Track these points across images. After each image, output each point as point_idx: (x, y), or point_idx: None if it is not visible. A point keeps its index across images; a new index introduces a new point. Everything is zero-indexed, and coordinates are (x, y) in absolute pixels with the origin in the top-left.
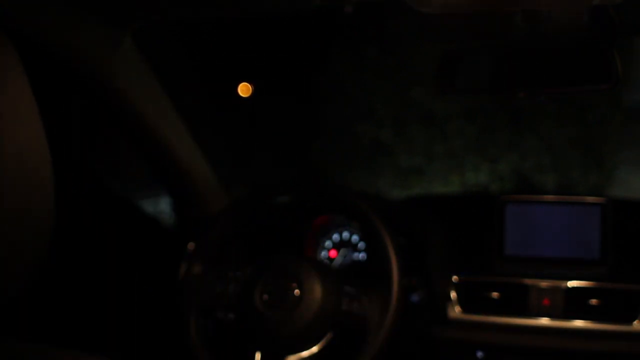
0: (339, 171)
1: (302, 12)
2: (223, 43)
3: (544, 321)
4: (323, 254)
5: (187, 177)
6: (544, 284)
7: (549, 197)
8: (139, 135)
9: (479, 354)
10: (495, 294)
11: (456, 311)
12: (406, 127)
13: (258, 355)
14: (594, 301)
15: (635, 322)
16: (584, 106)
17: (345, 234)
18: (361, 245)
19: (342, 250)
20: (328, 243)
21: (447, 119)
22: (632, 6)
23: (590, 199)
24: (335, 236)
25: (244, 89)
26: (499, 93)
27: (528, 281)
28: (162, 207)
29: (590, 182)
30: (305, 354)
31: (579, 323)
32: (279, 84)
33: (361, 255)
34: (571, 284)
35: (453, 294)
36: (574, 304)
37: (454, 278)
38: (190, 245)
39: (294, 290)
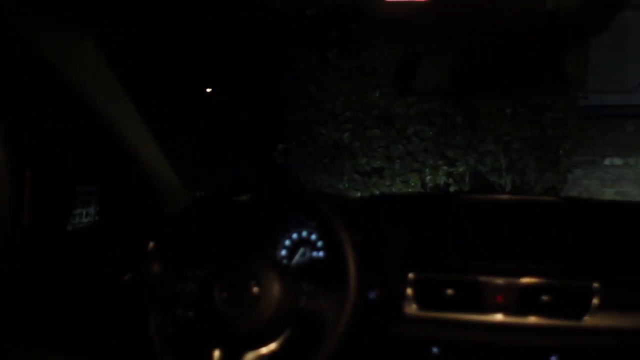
0: (301, 172)
1: (264, 15)
2: (188, 45)
3: (498, 317)
4: (282, 252)
5: (148, 177)
6: (498, 281)
7: (504, 197)
8: (101, 135)
9: (435, 350)
10: (450, 291)
11: (412, 308)
12: (367, 129)
13: (217, 353)
14: (546, 297)
15: (585, 318)
16: (539, 109)
17: (304, 233)
18: (320, 243)
19: (301, 249)
20: (287, 242)
21: (407, 121)
22: (584, 10)
23: (544, 198)
24: (295, 235)
25: None
26: (455, 95)
27: (482, 278)
28: (123, 206)
29: (546, 182)
30: (263, 350)
31: (531, 319)
32: (243, 87)
33: (320, 254)
34: (524, 280)
35: (409, 292)
36: (526, 300)
37: (411, 276)
38: (151, 244)
39: (252, 288)
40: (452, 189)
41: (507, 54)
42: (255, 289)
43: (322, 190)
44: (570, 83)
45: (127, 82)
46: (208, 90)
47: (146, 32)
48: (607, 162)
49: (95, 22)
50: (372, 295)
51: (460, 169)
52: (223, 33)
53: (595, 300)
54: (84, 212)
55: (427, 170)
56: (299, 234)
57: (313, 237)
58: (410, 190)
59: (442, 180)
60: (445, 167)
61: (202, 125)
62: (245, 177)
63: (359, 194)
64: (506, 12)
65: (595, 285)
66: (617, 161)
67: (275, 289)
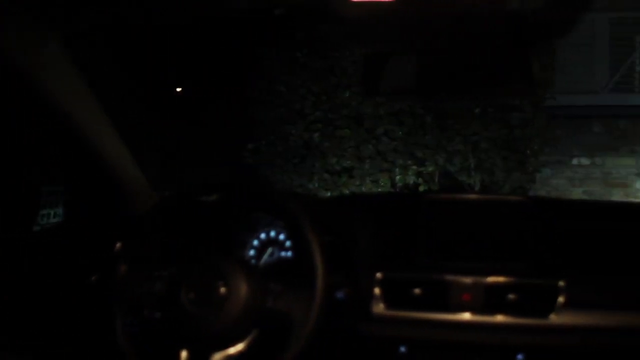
0: (270, 172)
1: (232, 14)
2: (155, 45)
3: (465, 316)
4: (250, 252)
5: (114, 177)
6: (465, 280)
7: (472, 196)
8: (67, 135)
9: (402, 349)
10: (417, 291)
11: (380, 308)
12: (337, 129)
13: (184, 353)
14: (512, 296)
15: (551, 316)
16: (507, 109)
17: (273, 233)
18: (288, 243)
19: (269, 249)
20: (255, 242)
21: (377, 121)
22: (549, 12)
23: (511, 198)
24: (263, 235)
25: None
26: (422, 96)
27: (449, 277)
28: (89, 206)
29: (514, 181)
30: (231, 351)
31: (498, 318)
32: (212, 85)
33: (288, 254)
34: (491, 279)
35: (377, 291)
36: (493, 299)
37: (378, 275)
38: (118, 245)
39: (220, 288)
40: (421, 188)
41: (474, 54)
42: (223, 289)
43: (291, 190)
44: (537, 84)
45: (92, 81)
46: (176, 89)
47: (112, 31)
48: (574, 161)
49: (60, 22)
50: (340, 294)
51: (430, 169)
52: (191, 32)
53: (560, 299)
54: (52, 213)
55: (397, 169)
56: (267, 234)
57: (281, 237)
58: (380, 189)
59: (411, 179)
60: (414, 167)
61: (170, 124)
62: (214, 176)
63: (329, 194)
64: (473, 13)
65: (561, 283)
66: (585, 161)
67: (243, 289)
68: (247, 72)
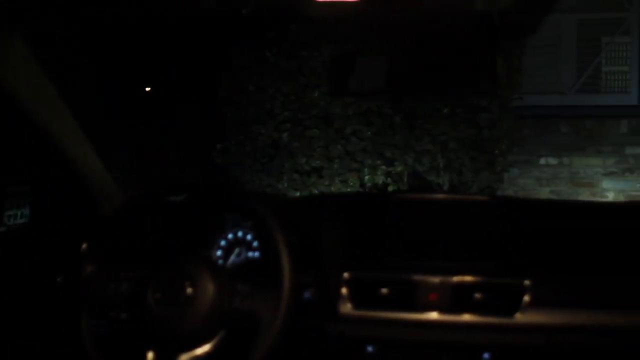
0: (240, 172)
1: (202, 14)
2: (123, 44)
3: (432, 315)
4: (218, 252)
5: (81, 177)
6: (431, 279)
7: (439, 196)
8: (32, 135)
9: (369, 349)
10: (385, 290)
11: (347, 307)
12: (306, 129)
13: (151, 354)
14: (478, 295)
15: (517, 315)
16: (475, 110)
17: (240, 233)
18: (256, 244)
19: (236, 249)
20: (223, 242)
21: (346, 121)
22: (515, 13)
23: (478, 197)
24: (230, 235)
25: None
26: (390, 96)
27: (417, 277)
28: (56, 206)
29: (482, 181)
30: (198, 351)
31: (464, 317)
32: (182, 85)
33: (256, 254)
34: (457, 279)
35: (345, 291)
36: (460, 298)
37: (346, 275)
38: (84, 245)
39: (186, 288)
40: (390, 188)
41: (442, 55)
42: (189, 290)
43: (259, 190)
44: (505, 84)
45: (58, 81)
46: (145, 89)
47: (79, 30)
48: (542, 161)
49: (26, 21)
50: (307, 294)
51: (399, 169)
52: (161, 32)
53: (526, 298)
54: (18, 214)
55: (366, 169)
56: (235, 234)
57: (249, 237)
58: (349, 189)
59: (380, 179)
60: (383, 167)
61: (138, 124)
62: (182, 177)
63: (298, 194)
64: (440, 14)
65: (527, 283)
66: (552, 161)
67: (210, 289)
68: (217, 72)
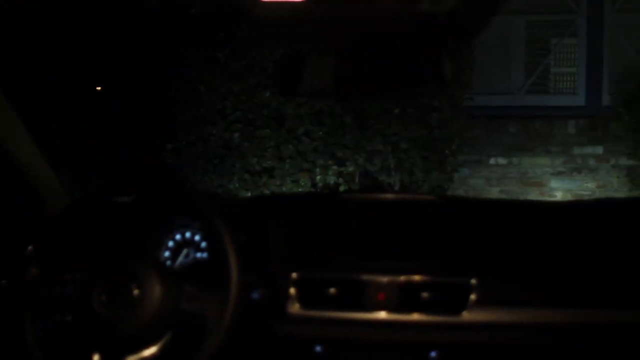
0: (191, 172)
1: (152, 13)
2: (71, 43)
3: (380, 315)
4: (166, 254)
5: (26, 177)
6: (379, 279)
7: (388, 196)
8: None
9: (318, 348)
10: (333, 290)
11: (296, 308)
12: (257, 129)
13: (96, 357)
14: (426, 294)
15: (464, 313)
16: (426, 110)
17: (188, 234)
18: (204, 244)
19: (184, 250)
20: (171, 243)
21: (298, 121)
22: (465, 14)
23: (426, 197)
24: (178, 236)
25: None
26: (340, 96)
27: (365, 277)
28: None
29: (433, 181)
30: (145, 353)
31: (412, 316)
32: (132, 85)
33: (204, 255)
34: (405, 278)
35: (292, 291)
36: (407, 297)
37: (294, 275)
38: (29, 247)
39: (133, 290)
40: (341, 188)
41: (391, 55)
42: (136, 292)
43: (210, 191)
44: (456, 84)
45: (1, 78)
46: (94, 89)
47: (24, 28)
48: (492, 161)
49: None
50: (255, 295)
51: (350, 169)
52: (110, 31)
53: (472, 297)
54: None
55: (317, 169)
56: (183, 235)
57: (197, 238)
58: (300, 189)
59: (332, 179)
60: (335, 167)
61: (86, 124)
62: (133, 177)
63: (249, 194)
64: (388, 14)
65: (473, 281)
66: (502, 161)
67: (156, 291)
68: (168, 71)
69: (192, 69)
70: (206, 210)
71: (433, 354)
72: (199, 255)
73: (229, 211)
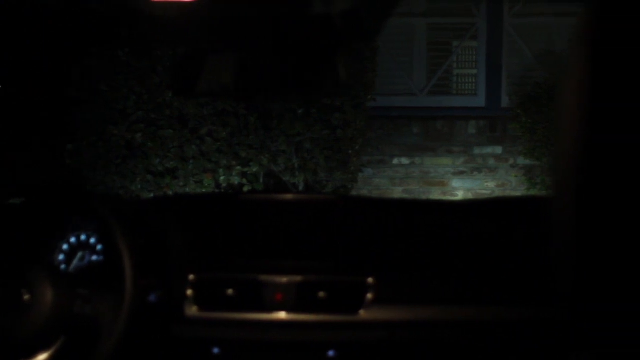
0: (92, 173)
1: (52, 11)
2: None
3: (278, 315)
4: (60, 257)
5: None
6: (277, 279)
7: (287, 196)
8: None
9: (215, 350)
10: (230, 291)
11: (193, 309)
12: (160, 129)
13: None
14: (323, 294)
15: (360, 312)
16: (329, 110)
17: (84, 236)
18: (100, 247)
19: (79, 253)
20: (65, 246)
21: (201, 122)
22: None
23: (325, 197)
24: (73, 239)
25: None
26: (240, 96)
27: (262, 277)
28: None
29: (337, 181)
30: (38, 359)
31: (310, 315)
32: (31, 84)
33: (100, 257)
34: (302, 278)
35: (190, 292)
36: (305, 297)
37: (191, 277)
38: None
39: (23, 295)
40: (245, 189)
41: (294, 56)
42: (27, 297)
43: (105, 192)
44: (359, 85)
45: None
46: None
47: None
48: (395, 161)
49: None
50: (152, 298)
51: (254, 169)
52: (7, 29)
53: (369, 295)
54: None
55: (221, 170)
56: (78, 237)
57: (92, 240)
58: (204, 190)
59: (236, 180)
60: (239, 167)
61: None
62: (32, 178)
63: (152, 195)
64: (293, 14)
65: (370, 280)
66: (405, 161)
67: (48, 295)
68: (69, 70)
69: (93, 68)
70: (101, 211)
71: (331, 353)
72: (95, 258)
73: (126, 213)
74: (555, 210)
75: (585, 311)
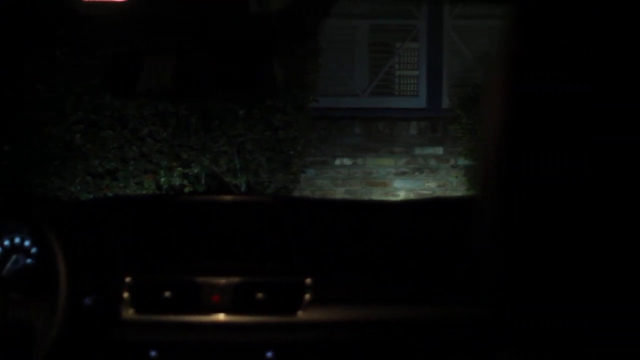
0: (30, 175)
1: None
2: None
3: (216, 317)
4: None
5: None
6: (215, 280)
7: (226, 198)
8: None
9: (153, 353)
10: (167, 293)
11: (129, 312)
12: (99, 130)
13: None
14: (261, 295)
15: (299, 313)
16: (271, 111)
17: (17, 239)
18: (34, 250)
19: (13, 256)
20: None
21: (141, 122)
22: (308, 16)
23: (263, 198)
24: (7, 241)
25: None
26: (178, 96)
27: (199, 279)
28: None
29: (279, 182)
30: None
31: (248, 317)
32: None
33: (33, 261)
34: (240, 279)
35: (126, 295)
36: (242, 298)
37: (128, 279)
38: None
39: None
40: (187, 190)
41: (234, 56)
42: None
43: (41, 194)
44: (301, 86)
45: None
46: None
47: None
48: (337, 162)
49: None
50: (87, 301)
51: (195, 170)
52: None
53: (307, 296)
54: None
55: (162, 171)
56: (12, 240)
57: (27, 243)
58: (144, 192)
59: (177, 181)
60: (180, 169)
61: None
62: None
63: (91, 197)
64: (232, 14)
65: (307, 281)
66: (347, 161)
67: None
68: (4, 70)
69: (31, 68)
70: (35, 213)
71: (269, 354)
72: (29, 261)
73: (61, 214)
74: (480, 209)
75: (510, 310)
